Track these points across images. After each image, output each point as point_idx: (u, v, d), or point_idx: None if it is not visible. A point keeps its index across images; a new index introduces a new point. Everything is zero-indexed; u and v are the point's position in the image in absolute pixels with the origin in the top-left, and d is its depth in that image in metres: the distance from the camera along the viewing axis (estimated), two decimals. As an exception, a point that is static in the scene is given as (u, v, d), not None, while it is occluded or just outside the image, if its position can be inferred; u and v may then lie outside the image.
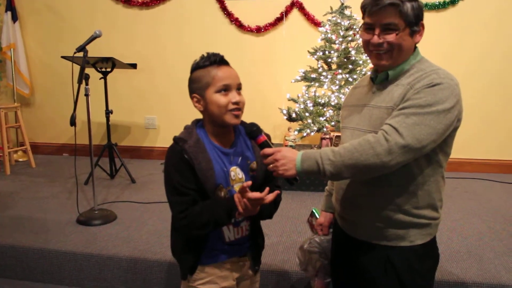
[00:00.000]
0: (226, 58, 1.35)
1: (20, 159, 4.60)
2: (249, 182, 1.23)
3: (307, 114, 3.63)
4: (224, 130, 1.38)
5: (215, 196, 1.34)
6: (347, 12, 3.62)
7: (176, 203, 1.32)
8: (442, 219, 1.39)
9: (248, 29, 4.33)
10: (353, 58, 3.56)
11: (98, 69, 3.64)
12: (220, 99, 1.30)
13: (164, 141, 4.72)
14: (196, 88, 1.33)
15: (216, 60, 1.32)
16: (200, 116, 1.42)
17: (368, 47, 1.32)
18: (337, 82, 3.58)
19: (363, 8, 1.31)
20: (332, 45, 3.62)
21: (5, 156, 4.12)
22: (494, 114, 4.11)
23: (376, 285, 1.36)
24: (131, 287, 2.36)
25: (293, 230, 2.75)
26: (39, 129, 4.92)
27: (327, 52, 3.61)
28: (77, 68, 2.73)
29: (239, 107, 1.32)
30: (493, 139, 4.15)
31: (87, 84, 2.75)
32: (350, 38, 3.58)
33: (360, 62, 3.57)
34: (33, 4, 4.66)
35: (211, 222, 1.29)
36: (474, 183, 3.81)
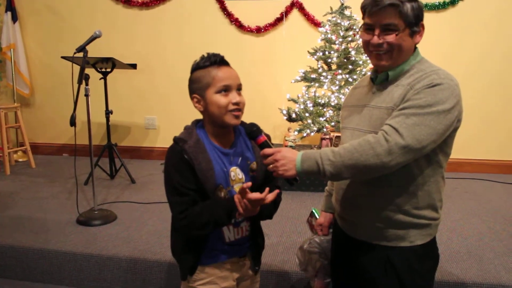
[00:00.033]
0: (226, 58, 1.35)
1: (20, 159, 4.60)
2: (249, 183, 1.23)
3: (307, 114, 3.63)
4: (224, 131, 1.38)
5: (215, 197, 1.34)
6: (347, 12, 3.62)
7: (176, 203, 1.32)
8: (442, 219, 1.39)
9: (248, 29, 4.34)
10: (353, 58, 3.56)
11: (98, 69, 3.64)
12: (220, 99, 1.30)
13: (164, 141, 4.72)
14: (196, 88, 1.33)
15: (216, 61, 1.32)
16: (200, 116, 1.42)
17: (368, 47, 1.32)
18: (337, 82, 3.58)
19: (363, 8, 1.31)
20: (332, 45, 3.62)
21: (5, 156, 4.12)
22: (494, 115, 4.11)
23: (376, 286, 1.36)
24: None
25: (293, 230, 2.75)
26: (39, 129, 4.92)
27: (327, 53, 3.62)
28: (77, 68, 2.73)
29: (239, 107, 1.31)
30: (493, 139, 4.15)
31: (87, 84, 2.75)
32: (350, 39, 3.59)
33: (360, 62, 3.57)
34: (33, 5, 4.66)
35: (211, 222, 1.29)
36: (474, 184, 3.81)
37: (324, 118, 3.62)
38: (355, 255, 1.41)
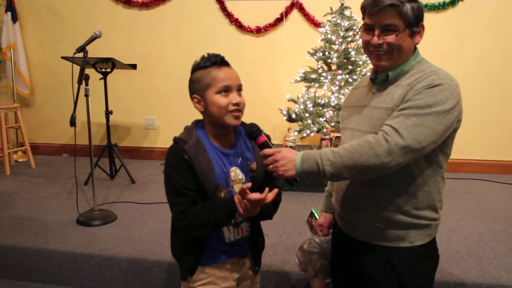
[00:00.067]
0: (226, 58, 1.35)
1: (20, 160, 4.60)
2: (249, 184, 1.23)
3: (307, 114, 3.63)
4: (224, 131, 1.38)
5: (215, 197, 1.34)
6: (347, 12, 3.62)
7: (176, 203, 1.32)
8: (442, 219, 1.39)
9: (248, 29, 4.34)
10: (353, 58, 3.56)
11: (98, 69, 3.64)
12: (221, 100, 1.30)
13: (164, 141, 4.72)
14: (197, 88, 1.34)
15: (216, 61, 1.32)
16: (200, 116, 1.42)
17: (368, 48, 1.32)
18: (337, 82, 3.58)
19: (363, 9, 1.31)
20: (332, 45, 3.62)
21: (5, 157, 4.12)
22: (494, 115, 4.11)
23: (376, 286, 1.36)
24: (131, 288, 2.36)
25: (293, 230, 2.75)
26: (39, 129, 4.92)
27: (327, 53, 3.62)
28: (77, 68, 2.73)
29: (239, 108, 1.32)
30: (493, 139, 4.15)
31: (87, 84, 2.75)
32: (350, 39, 3.59)
33: (360, 62, 3.57)
34: (33, 5, 4.66)
35: (211, 222, 1.29)
36: (474, 184, 3.81)
37: (324, 119, 3.62)
38: (355, 256, 1.41)
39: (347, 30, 3.57)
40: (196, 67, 1.35)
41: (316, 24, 4.15)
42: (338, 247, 1.55)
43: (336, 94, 3.58)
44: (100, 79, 3.66)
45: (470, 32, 4.03)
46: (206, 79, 1.31)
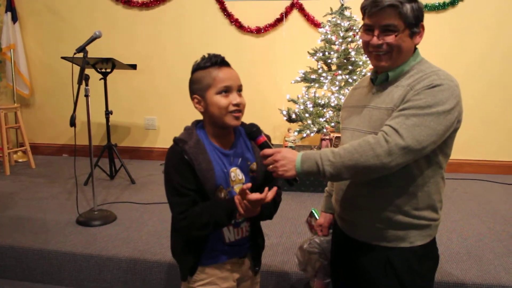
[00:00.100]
0: (226, 58, 1.35)
1: (20, 160, 4.60)
2: (249, 184, 1.23)
3: (307, 115, 3.63)
4: (224, 132, 1.38)
5: (215, 197, 1.34)
6: (347, 13, 3.62)
7: (176, 204, 1.32)
8: (442, 220, 1.39)
9: (248, 30, 4.34)
10: (353, 59, 3.56)
11: (98, 69, 3.64)
12: (221, 100, 1.30)
13: (164, 142, 4.71)
14: (197, 89, 1.34)
15: (217, 61, 1.32)
16: (200, 116, 1.42)
17: (367, 48, 1.33)
18: (337, 83, 3.58)
19: (363, 9, 1.31)
20: (332, 46, 3.62)
21: (5, 157, 4.12)
22: (494, 115, 4.11)
23: (376, 286, 1.36)
24: (130, 288, 2.36)
25: (292, 231, 2.74)
26: (38, 129, 4.92)
27: (327, 53, 3.62)
28: (77, 68, 2.74)
29: (239, 108, 1.32)
30: (493, 140, 4.15)
31: (87, 84, 2.75)
32: (350, 39, 3.59)
33: (360, 63, 3.57)
34: (33, 5, 4.66)
35: (211, 223, 1.29)
36: (474, 184, 3.81)
37: (324, 119, 3.62)
38: (355, 256, 1.41)
39: (347, 30, 3.57)
40: (197, 68, 1.35)
41: (316, 25, 4.15)
42: (338, 247, 1.55)
43: (336, 95, 3.58)
44: (100, 79, 3.66)
45: (470, 32, 4.03)
46: (206, 79, 1.31)
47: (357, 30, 3.53)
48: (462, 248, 2.46)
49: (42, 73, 4.81)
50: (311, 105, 3.62)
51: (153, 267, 2.32)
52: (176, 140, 1.34)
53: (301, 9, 4.23)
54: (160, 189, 3.52)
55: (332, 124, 3.62)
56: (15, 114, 4.29)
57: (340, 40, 3.58)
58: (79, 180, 3.55)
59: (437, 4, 4.01)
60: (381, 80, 1.35)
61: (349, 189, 1.40)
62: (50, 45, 4.71)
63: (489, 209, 3.14)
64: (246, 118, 1.36)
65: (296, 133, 3.74)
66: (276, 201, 1.43)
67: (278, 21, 4.28)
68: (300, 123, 3.71)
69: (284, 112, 3.73)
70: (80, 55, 2.73)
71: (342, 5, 3.62)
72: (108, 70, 3.67)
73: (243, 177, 1.39)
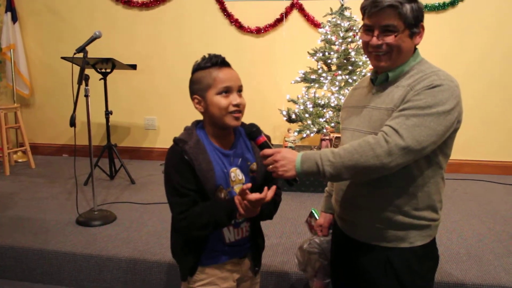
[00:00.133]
0: (226, 59, 1.35)
1: (20, 160, 4.59)
2: (249, 185, 1.23)
3: (307, 115, 3.63)
4: (224, 132, 1.38)
5: (215, 197, 1.34)
6: (347, 13, 3.62)
7: (176, 204, 1.32)
8: (441, 220, 1.39)
9: (248, 30, 4.34)
10: (353, 59, 3.56)
11: (98, 69, 3.64)
12: (221, 101, 1.30)
13: (164, 142, 4.71)
14: (197, 89, 1.34)
15: (217, 62, 1.32)
16: (200, 117, 1.42)
17: (367, 48, 1.33)
18: (337, 83, 3.58)
19: (363, 9, 1.31)
20: (332, 46, 3.62)
21: (5, 157, 4.12)
22: (494, 115, 4.12)
23: (376, 286, 1.36)
24: (130, 288, 2.36)
25: (292, 231, 2.74)
26: (38, 129, 4.92)
27: (327, 53, 3.62)
28: (77, 68, 2.74)
29: (239, 109, 1.32)
30: (493, 140, 4.15)
31: (87, 84, 2.75)
32: (350, 39, 3.59)
33: (360, 63, 3.57)
34: (33, 5, 4.66)
35: (211, 223, 1.29)
36: (474, 184, 3.81)
37: (324, 119, 3.62)
38: (355, 256, 1.41)
39: (347, 30, 3.57)
40: (197, 68, 1.35)
41: (316, 25, 4.15)
42: (338, 248, 1.55)
43: (336, 95, 3.58)
44: (100, 79, 3.66)
45: (470, 32, 4.03)
46: (206, 79, 1.31)
47: (357, 31, 3.53)
48: (462, 248, 2.46)
49: (42, 73, 4.81)
50: (311, 105, 3.62)
51: (153, 267, 2.32)
52: (176, 140, 1.34)
53: (301, 9, 4.23)
54: (160, 189, 3.52)
55: (332, 124, 3.62)
56: (15, 114, 4.29)
57: (340, 41, 3.58)
58: (79, 180, 3.54)
59: (437, 4, 4.01)
60: (381, 81, 1.35)
61: (349, 189, 1.40)
62: (50, 45, 4.71)
63: (489, 209, 3.14)
64: (246, 118, 1.37)
65: (296, 133, 3.74)
66: (276, 201, 1.43)
67: (278, 21, 4.28)
68: (300, 123, 3.71)
69: (284, 112, 3.73)
70: (80, 55, 2.73)
71: (342, 5, 3.62)
72: (108, 70, 3.67)
73: (243, 177, 1.40)
